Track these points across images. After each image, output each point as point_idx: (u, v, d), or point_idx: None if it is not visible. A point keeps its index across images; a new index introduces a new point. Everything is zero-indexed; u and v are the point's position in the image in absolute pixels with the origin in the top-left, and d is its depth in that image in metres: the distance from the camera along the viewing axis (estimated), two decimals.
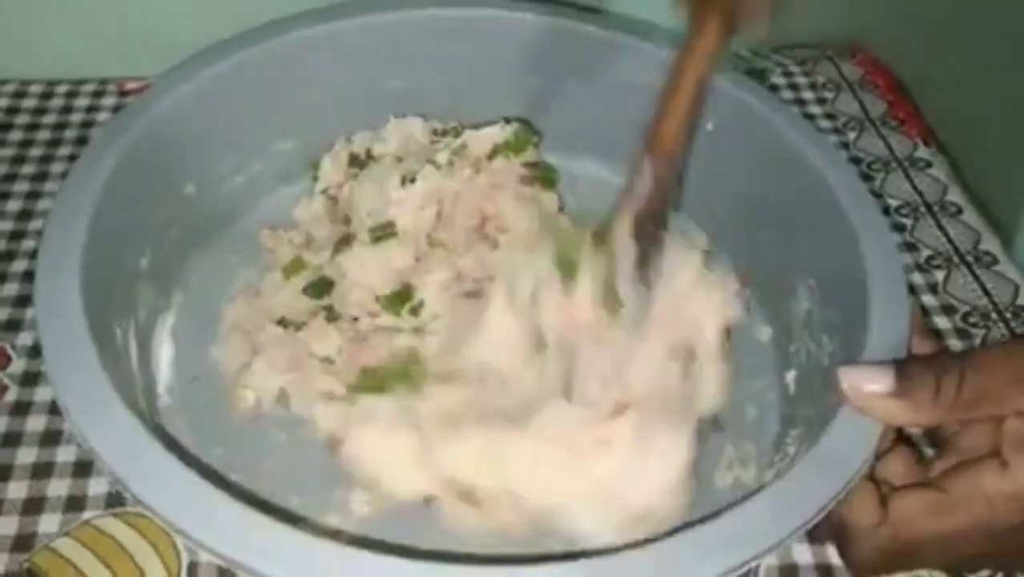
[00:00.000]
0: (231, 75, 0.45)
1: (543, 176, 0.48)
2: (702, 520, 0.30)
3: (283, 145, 0.50)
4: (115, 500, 0.39)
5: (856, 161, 0.60)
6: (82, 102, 0.59)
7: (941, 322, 0.51)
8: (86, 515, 0.39)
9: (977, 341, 0.50)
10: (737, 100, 0.46)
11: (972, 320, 0.51)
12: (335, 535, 0.37)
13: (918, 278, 0.53)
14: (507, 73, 0.51)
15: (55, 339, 0.33)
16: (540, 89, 0.51)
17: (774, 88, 0.64)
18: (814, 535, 0.40)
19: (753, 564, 0.29)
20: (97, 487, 0.40)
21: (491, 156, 0.47)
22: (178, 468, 0.30)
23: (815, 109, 0.63)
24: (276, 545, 0.29)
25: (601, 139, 0.50)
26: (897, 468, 0.35)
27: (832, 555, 0.39)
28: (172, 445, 0.34)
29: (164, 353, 0.43)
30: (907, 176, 0.59)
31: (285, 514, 0.37)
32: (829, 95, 0.65)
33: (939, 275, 0.53)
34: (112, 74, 0.60)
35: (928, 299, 0.52)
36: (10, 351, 0.44)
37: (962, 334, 0.50)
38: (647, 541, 0.29)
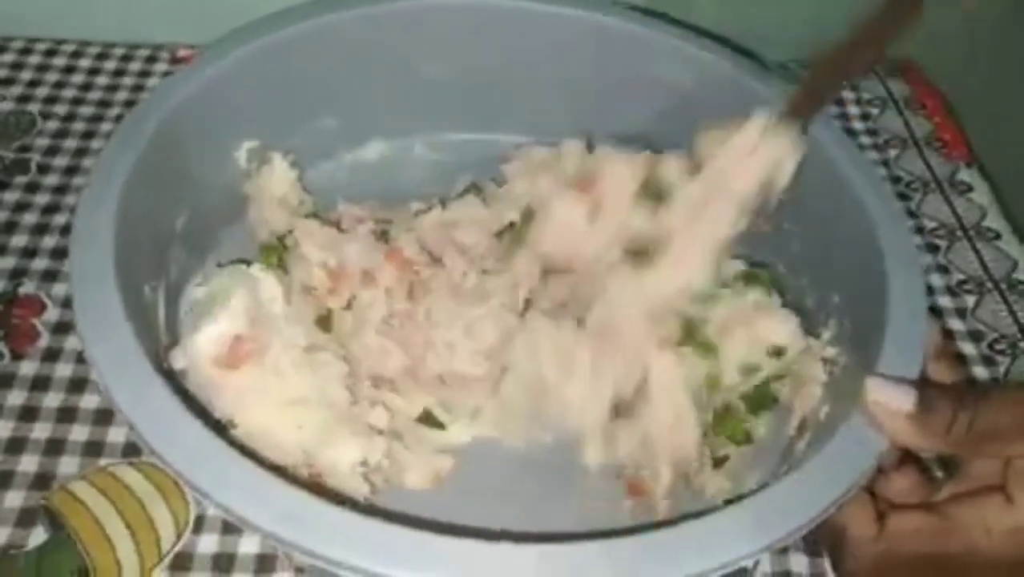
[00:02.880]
0: (280, 47, 0.46)
1: None
2: (692, 515, 0.30)
3: (326, 121, 0.51)
4: (132, 449, 0.41)
5: (895, 180, 0.59)
6: (135, 66, 0.60)
7: (967, 348, 0.50)
8: (103, 461, 0.40)
9: (1002, 369, 0.49)
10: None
11: (999, 348, 0.50)
12: (343, 501, 0.38)
13: (947, 301, 0.52)
14: (553, 69, 0.51)
15: (86, 292, 0.34)
16: (584, 88, 0.52)
17: None
18: (812, 542, 0.40)
19: (743, 564, 0.29)
20: (116, 435, 0.41)
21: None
22: (191, 421, 0.31)
23: (858, 125, 0.63)
24: (287, 507, 0.29)
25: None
26: (902, 486, 0.35)
27: (828, 567, 0.39)
28: (190, 402, 0.35)
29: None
30: (946, 198, 0.58)
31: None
32: (874, 111, 0.64)
33: (970, 300, 0.52)
34: (167, 40, 0.62)
35: (955, 324, 0.51)
36: (46, 299, 0.46)
37: (987, 361, 0.49)
38: (636, 529, 0.29)
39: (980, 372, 0.49)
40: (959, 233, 0.56)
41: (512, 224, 0.45)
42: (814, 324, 0.43)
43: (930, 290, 0.52)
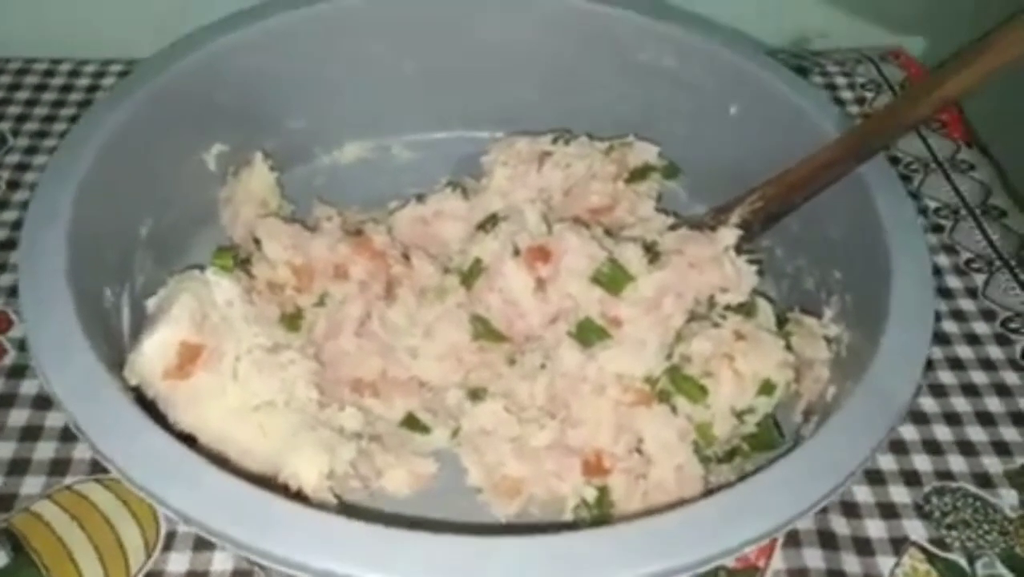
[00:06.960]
0: (239, 47, 0.44)
1: None
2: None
3: (296, 123, 0.49)
4: (99, 466, 0.38)
5: (893, 161, 0.57)
6: (108, 81, 0.59)
7: (980, 328, 0.48)
8: (69, 480, 0.38)
9: (1019, 348, 0.47)
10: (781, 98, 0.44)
11: (1012, 326, 0.47)
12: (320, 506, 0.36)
13: (956, 281, 0.50)
14: (531, 59, 0.49)
15: (38, 306, 0.32)
16: (563, 78, 0.50)
17: None
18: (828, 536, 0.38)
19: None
20: (83, 452, 0.39)
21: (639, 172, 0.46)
22: (152, 431, 0.29)
23: (853, 109, 0.61)
24: (261, 514, 0.27)
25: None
26: None
27: (845, 562, 0.37)
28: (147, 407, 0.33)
29: None
30: (947, 178, 0.56)
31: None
32: (869, 95, 0.62)
33: (979, 279, 0.50)
34: (142, 55, 0.60)
35: (966, 304, 0.49)
36: (12, 316, 0.44)
37: (1001, 340, 0.47)
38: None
39: (995, 352, 0.46)
40: (963, 212, 0.54)
41: (494, 216, 0.43)
42: (815, 303, 0.41)
43: (938, 270, 0.50)
